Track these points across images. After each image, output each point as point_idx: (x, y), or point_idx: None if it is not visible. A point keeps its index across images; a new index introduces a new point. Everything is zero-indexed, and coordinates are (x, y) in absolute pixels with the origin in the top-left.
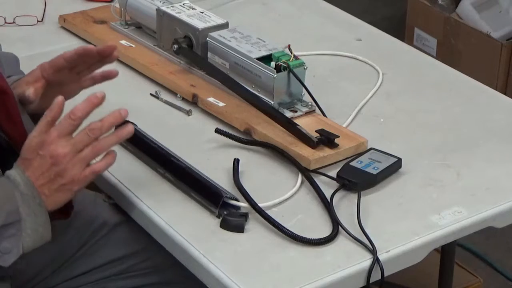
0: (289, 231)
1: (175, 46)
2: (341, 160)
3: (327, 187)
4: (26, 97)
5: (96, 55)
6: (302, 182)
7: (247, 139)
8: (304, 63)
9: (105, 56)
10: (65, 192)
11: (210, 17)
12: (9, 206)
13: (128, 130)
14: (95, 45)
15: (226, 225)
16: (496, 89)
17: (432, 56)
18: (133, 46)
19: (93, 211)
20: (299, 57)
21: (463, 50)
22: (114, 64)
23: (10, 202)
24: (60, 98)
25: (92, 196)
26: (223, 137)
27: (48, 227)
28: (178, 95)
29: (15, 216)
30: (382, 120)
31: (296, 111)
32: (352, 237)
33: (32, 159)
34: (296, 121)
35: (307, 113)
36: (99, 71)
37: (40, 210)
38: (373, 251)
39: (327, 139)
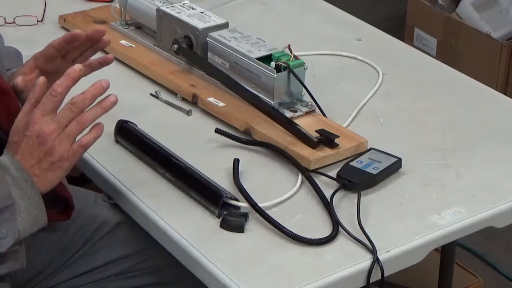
0: (289, 231)
1: (175, 46)
2: (341, 160)
3: (327, 187)
4: (14, 86)
5: (86, 41)
6: (302, 182)
7: (247, 139)
8: (304, 63)
9: (95, 42)
10: (56, 170)
11: (210, 17)
12: (0, 191)
13: (111, 100)
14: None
15: (226, 225)
16: (496, 89)
17: (432, 56)
18: (133, 46)
19: (93, 211)
20: (299, 57)
21: (463, 50)
22: (115, 63)
23: (1, 186)
24: (41, 78)
25: (93, 196)
26: (223, 137)
27: (42, 210)
28: (178, 95)
29: (8, 200)
30: (382, 120)
31: (296, 111)
32: (352, 237)
33: (19, 142)
34: (296, 121)
35: (307, 113)
36: (94, 57)
37: (32, 192)
38: (373, 251)
39: (327, 139)
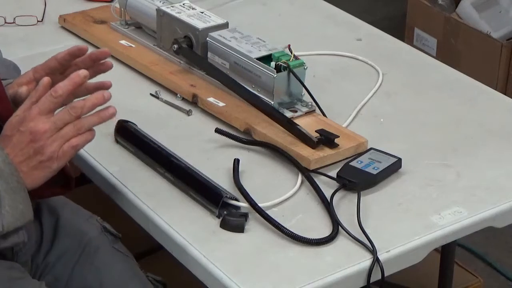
0: (289, 231)
1: (175, 46)
2: (341, 160)
3: (327, 187)
4: (18, 95)
5: (89, 60)
6: (302, 182)
7: (247, 139)
8: (304, 63)
9: (97, 62)
10: (44, 169)
11: (210, 17)
12: None
13: (110, 111)
14: (97, 46)
15: (226, 225)
16: (496, 89)
17: (432, 56)
18: (133, 46)
19: (82, 227)
20: (299, 57)
21: (463, 50)
22: (115, 63)
23: None
24: (46, 79)
25: (87, 215)
26: (223, 137)
27: (28, 204)
28: (178, 95)
29: None
30: (382, 120)
31: (296, 111)
32: (352, 237)
33: (12, 136)
34: (296, 121)
35: (307, 113)
36: (92, 80)
37: (18, 187)
38: (373, 251)
39: (327, 139)
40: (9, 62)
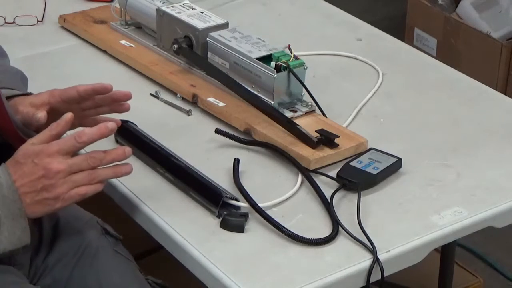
0: (289, 231)
1: (175, 46)
2: (341, 160)
3: (327, 187)
4: (35, 118)
5: (109, 98)
6: (302, 182)
7: (247, 139)
8: (304, 63)
9: (117, 101)
10: (46, 206)
11: (210, 17)
12: None
13: (126, 169)
14: (97, 46)
15: (226, 225)
16: (496, 89)
17: (432, 56)
18: (133, 46)
19: (81, 229)
20: (299, 57)
21: (463, 50)
22: (115, 63)
23: None
24: (69, 115)
25: (88, 216)
26: (223, 137)
27: (27, 231)
28: (178, 95)
29: None
30: (382, 120)
31: (296, 111)
32: (352, 237)
33: (24, 165)
34: (296, 121)
35: (307, 113)
36: (102, 117)
37: (19, 214)
38: (373, 251)
39: (327, 139)
40: (16, 70)
